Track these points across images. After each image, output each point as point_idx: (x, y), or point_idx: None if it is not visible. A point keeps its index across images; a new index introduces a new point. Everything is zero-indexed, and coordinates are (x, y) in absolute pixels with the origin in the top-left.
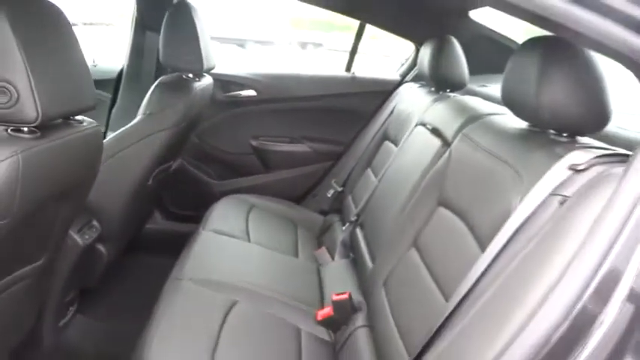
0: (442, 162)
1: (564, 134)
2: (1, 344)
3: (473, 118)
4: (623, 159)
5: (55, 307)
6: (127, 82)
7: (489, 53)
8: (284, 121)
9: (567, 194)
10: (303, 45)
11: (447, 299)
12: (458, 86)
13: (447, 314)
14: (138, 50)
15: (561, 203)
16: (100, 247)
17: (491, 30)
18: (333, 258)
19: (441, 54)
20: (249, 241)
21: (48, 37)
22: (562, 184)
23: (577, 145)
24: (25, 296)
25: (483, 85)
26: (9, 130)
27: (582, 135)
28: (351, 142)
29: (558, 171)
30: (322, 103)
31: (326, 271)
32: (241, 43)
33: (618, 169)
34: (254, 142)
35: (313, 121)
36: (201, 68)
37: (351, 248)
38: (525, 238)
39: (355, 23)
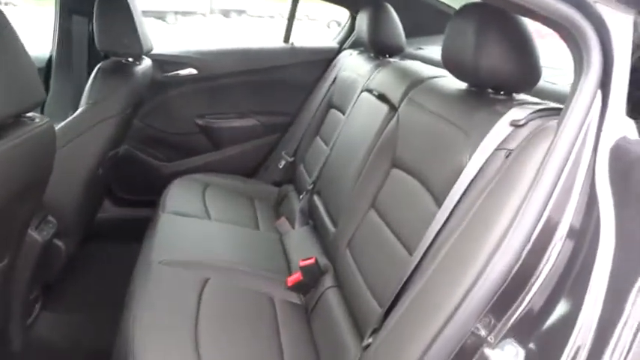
0: (391, 126)
1: (501, 92)
2: None
3: (416, 82)
4: (556, 112)
5: (21, 306)
6: (57, 70)
7: (422, 16)
8: (228, 96)
9: (511, 148)
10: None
11: (410, 253)
12: (396, 51)
13: (412, 267)
14: (66, 36)
15: (506, 157)
16: (58, 242)
17: None
18: (293, 227)
19: (378, 21)
20: (209, 219)
21: None
22: (505, 139)
23: (515, 102)
24: None
25: (419, 48)
26: None
27: (518, 92)
28: (297, 112)
29: (501, 127)
30: (265, 76)
31: (288, 240)
32: (160, 16)
33: (553, 122)
34: (200, 121)
35: (258, 95)
36: (140, 51)
37: (309, 215)
38: (477, 190)
39: None
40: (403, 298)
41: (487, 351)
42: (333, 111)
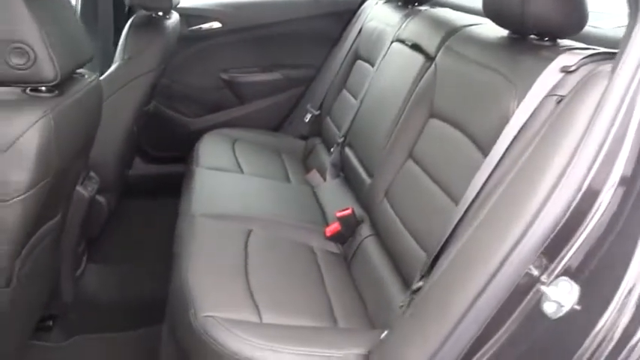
0: (429, 76)
1: (546, 39)
2: (38, 301)
3: (452, 30)
4: (607, 57)
5: (70, 259)
6: (83, 24)
7: None
8: (252, 50)
9: (562, 94)
10: None
11: (455, 202)
12: None
13: (461, 213)
14: None
15: (558, 102)
16: (100, 198)
17: None
18: (324, 179)
19: None
20: (242, 172)
21: None
22: (556, 86)
23: (562, 48)
24: (50, 252)
25: None
26: (27, 91)
27: (563, 38)
28: (322, 64)
29: (550, 73)
30: (288, 29)
31: (321, 192)
32: None
33: (605, 67)
34: (224, 76)
35: (282, 48)
36: (170, 5)
37: (341, 168)
38: (527, 138)
39: None
40: (453, 243)
41: (542, 288)
42: (360, 63)
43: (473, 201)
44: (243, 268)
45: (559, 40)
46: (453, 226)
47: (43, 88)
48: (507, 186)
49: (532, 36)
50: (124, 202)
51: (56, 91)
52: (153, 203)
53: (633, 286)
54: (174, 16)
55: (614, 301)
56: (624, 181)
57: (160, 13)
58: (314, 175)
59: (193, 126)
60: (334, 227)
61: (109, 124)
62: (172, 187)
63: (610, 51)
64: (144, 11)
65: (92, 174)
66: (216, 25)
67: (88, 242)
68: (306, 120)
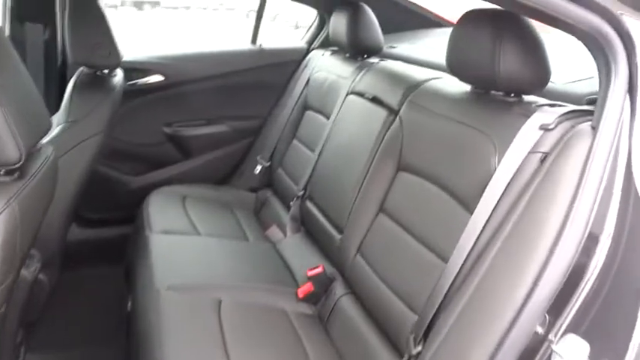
0: (394, 130)
1: (511, 95)
2: None
3: (413, 84)
4: (580, 114)
5: (10, 351)
6: None
7: (388, 14)
8: (197, 103)
9: (544, 151)
10: (139, 5)
11: (442, 259)
12: (375, 51)
13: (454, 274)
14: (18, 47)
15: (542, 160)
16: (41, 277)
17: None
18: (285, 234)
19: (357, 21)
20: (199, 234)
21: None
22: (537, 143)
23: (534, 105)
24: None
25: (391, 47)
26: None
27: (529, 94)
28: (269, 115)
29: (529, 130)
30: (234, 79)
31: (284, 249)
32: None
33: (583, 125)
34: (168, 130)
35: (227, 99)
36: (118, 62)
37: (302, 222)
38: (514, 194)
39: None
40: (452, 303)
41: (551, 346)
42: (310, 113)
43: (465, 260)
44: (221, 344)
45: (523, 96)
46: (447, 287)
47: (2, 171)
48: (504, 245)
49: (496, 92)
50: (62, 274)
51: (17, 173)
52: (93, 273)
53: None
54: (119, 73)
55: (628, 355)
56: (618, 228)
57: (106, 71)
58: (274, 231)
59: (135, 184)
60: (307, 288)
61: None
62: (114, 253)
63: (581, 108)
64: (86, 69)
65: (33, 251)
66: (158, 78)
67: (26, 328)
68: (257, 172)
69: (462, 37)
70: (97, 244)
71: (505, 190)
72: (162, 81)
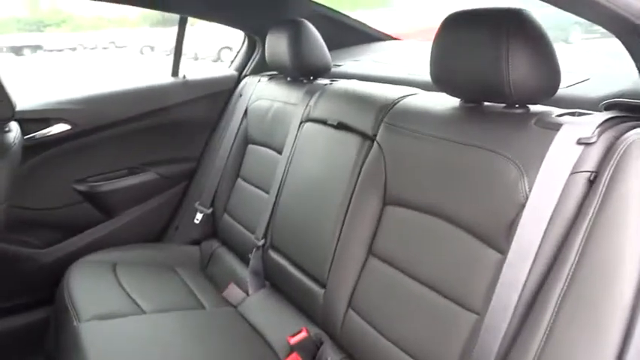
0: (374, 158)
1: (516, 105)
2: None
3: (386, 104)
4: (618, 122)
5: None
6: None
7: (326, 31)
8: (114, 151)
9: (590, 169)
10: (18, 50)
11: (464, 307)
12: (324, 71)
13: (504, 327)
14: None
15: (591, 181)
16: None
17: (323, 6)
18: (247, 293)
19: (300, 40)
20: (144, 312)
21: None
22: (579, 161)
23: (555, 116)
24: None
25: (336, 65)
26: None
27: (536, 103)
28: (203, 155)
29: (565, 147)
30: (157, 119)
31: (249, 312)
32: None
33: (632, 134)
34: (80, 187)
35: (151, 143)
36: (12, 113)
37: (265, 277)
38: (564, 224)
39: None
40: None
41: None
42: (254, 147)
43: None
44: None
45: (530, 106)
46: (497, 345)
47: None
48: (568, 291)
49: (489, 103)
50: None
51: None
52: None
53: None
54: (14, 127)
55: None
56: None
57: None
58: (233, 291)
59: (49, 258)
60: (293, 359)
61: None
62: (30, 344)
63: (617, 115)
64: None
65: None
66: (62, 127)
67: None
68: (197, 221)
69: (452, 44)
70: (9, 335)
71: (550, 221)
72: (68, 130)
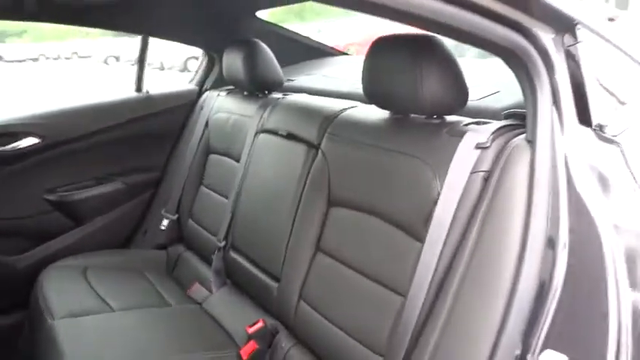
0: (318, 165)
1: (434, 116)
2: None
3: (329, 116)
4: (511, 129)
5: None
6: None
7: (279, 47)
8: (82, 162)
9: (485, 169)
10: None
11: (396, 292)
12: (277, 86)
13: (419, 307)
14: None
15: (486, 179)
16: None
17: (276, 25)
18: (210, 291)
19: (253, 58)
20: (112, 310)
21: None
22: (477, 162)
23: (462, 125)
24: None
25: (290, 80)
26: None
27: (451, 114)
28: (166, 164)
29: (466, 151)
30: (122, 132)
31: (212, 307)
32: None
33: (516, 140)
34: (51, 197)
35: (117, 154)
36: None
37: (227, 275)
38: (465, 216)
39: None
40: (423, 338)
41: None
42: (215, 157)
43: (427, 291)
44: None
45: (445, 117)
46: (413, 322)
47: None
48: (467, 271)
49: (416, 115)
50: None
51: None
52: None
53: (620, 343)
54: None
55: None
56: (573, 237)
57: None
58: (197, 289)
59: (20, 264)
60: (250, 346)
61: None
62: (3, 348)
63: (508, 124)
64: None
65: None
66: (31, 140)
67: None
68: (163, 227)
69: (378, 65)
70: None
71: (455, 213)
72: (37, 143)
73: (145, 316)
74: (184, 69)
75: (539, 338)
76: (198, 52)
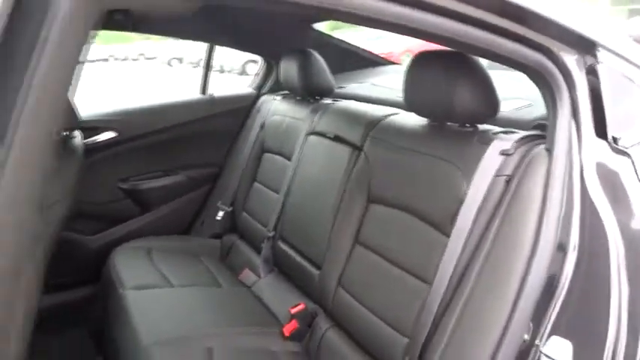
0: (361, 165)
1: (466, 125)
2: None
3: (373, 121)
4: (534, 139)
5: None
6: None
7: (332, 57)
8: (151, 156)
9: (508, 174)
10: None
11: (424, 281)
12: (327, 92)
13: (440, 295)
14: None
15: (507, 182)
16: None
17: (328, 35)
18: (259, 276)
19: (307, 67)
20: (172, 285)
21: None
22: (500, 167)
23: (491, 133)
24: None
25: (340, 87)
26: None
27: (482, 123)
28: (225, 161)
29: (492, 156)
30: (187, 130)
31: (259, 291)
32: None
33: (538, 149)
34: (124, 185)
35: (182, 150)
36: (77, 122)
37: (274, 263)
38: (487, 214)
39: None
40: (443, 322)
41: (540, 350)
42: (269, 155)
43: (449, 280)
44: None
45: (478, 125)
46: (435, 307)
47: None
48: (485, 263)
49: (451, 123)
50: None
51: None
52: (58, 339)
53: (617, 335)
54: (78, 134)
55: (607, 348)
56: (582, 238)
57: (66, 133)
58: (247, 275)
59: (94, 244)
60: (292, 325)
61: None
62: (76, 317)
63: (532, 133)
64: None
65: None
66: (110, 134)
67: None
68: (218, 218)
69: (417, 77)
70: (58, 309)
71: (478, 211)
72: (114, 137)
73: (199, 293)
74: (243, 72)
75: (547, 326)
76: (256, 56)
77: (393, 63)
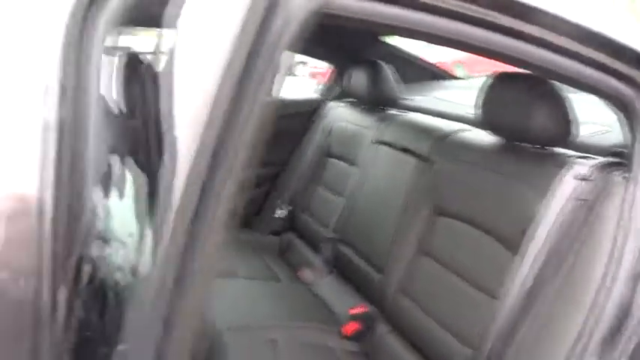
0: (429, 177)
1: (537, 146)
2: None
3: (441, 135)
4: (611, 165)
5: None
6: None
7: (396, 67)
8: None
9: (584, 198)
10: None
11: (490, 295)
12: (393, 103)
13: (507, 310)
14: None
15: (581, 207)
16: None
17: (395, 47)
18: (317, 276)
19: (377, 77)
20: (237, 276)
21: None
22: (578, 191)
23: (566, 157)
24: None
25: (404, 98)
26: None
27: (557, 146)
28: (286, 162)
29: (567, 180)
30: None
31: (319, 290)
32: None
33: (614, 176)
34: None
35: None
36: None
37: (334, 264)
38: (559, 236)
39: None
40: (510, 337)
41: None
42: (333, 161)
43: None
44: None
45: (546, 147)
46: (502, 322)
47: None
48: (554, 284)
49: (525, 144)
50: None
51: None
52: None
53: None
54: None
55: None
56: None
57: None
58: (306, 273)
59: None
60: (352, 326)
61: None
62: None
63: (610, 160)
64: None
65: None
66: None
67: None
68: (277, 215)
69: (496, 97)
70: None
71: (551, 232)
72: None
73: (261, 285)
74: (290, 73)
75: (615, 350)
76: (305, 58)
77: (455, 77)
